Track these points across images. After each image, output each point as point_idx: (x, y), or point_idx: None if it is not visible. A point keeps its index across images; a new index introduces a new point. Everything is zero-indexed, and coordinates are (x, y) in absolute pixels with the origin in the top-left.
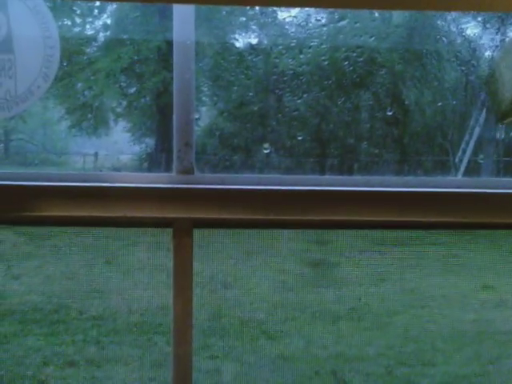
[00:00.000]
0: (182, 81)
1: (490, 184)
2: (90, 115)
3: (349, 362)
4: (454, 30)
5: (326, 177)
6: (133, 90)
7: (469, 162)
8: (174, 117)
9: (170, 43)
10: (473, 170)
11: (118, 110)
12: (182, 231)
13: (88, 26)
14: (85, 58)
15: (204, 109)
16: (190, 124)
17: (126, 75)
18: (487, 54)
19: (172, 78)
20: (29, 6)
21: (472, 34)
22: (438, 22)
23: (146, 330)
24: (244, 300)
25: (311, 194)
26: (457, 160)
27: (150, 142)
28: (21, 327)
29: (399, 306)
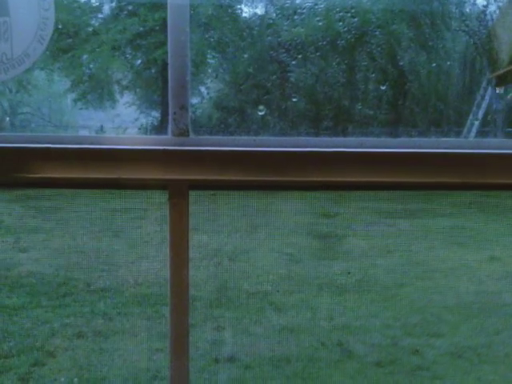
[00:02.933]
0: (176, 43)
1: (486, 145)
2: (95, 88)
3: (355, 333)
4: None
5: (321, 138)
6: (138, 62)
7: (476, 133)
8: (170, 80)
9: None
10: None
11: (124, 82)
12: (178, 193)
13: None
14: (90, 29)
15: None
16: (186, 86)
17: (131, 47)
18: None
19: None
20: None
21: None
22: None
23: (152, 303)
24: (250, 272)
25: (306, 156)
26: (464, 132)
27: (156, 114)
28: (29, 299)
29: (406, 277)
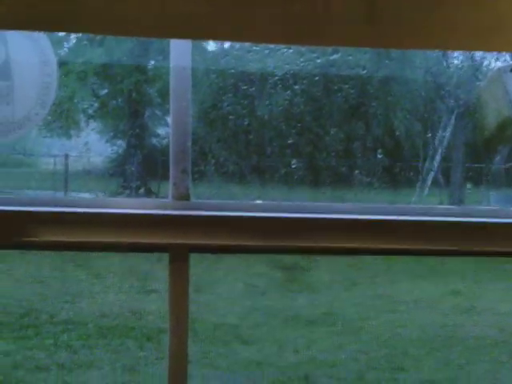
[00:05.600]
0: (178, 109)
1: (473, 212)
2: (60, 116)
3: (321, 366)
4: None
5: (320, 204)
6: (105, 91)
7: (437, 170)
8: (171, 144)
9: (142, 45)
10: (442, 177)
11: (90, 111)
12: (178, 257)
13: None
14: (56, 58)
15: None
16: (187, 151)
17: (97, 76)
18: (456, 61)
19: (144, 81)
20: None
21: None
22: None
23: (118, 335)
24: (217, 304)
25: (305, 221)
26: (425, 168)
27: (121, 143)
28: None
29: (371, 311)
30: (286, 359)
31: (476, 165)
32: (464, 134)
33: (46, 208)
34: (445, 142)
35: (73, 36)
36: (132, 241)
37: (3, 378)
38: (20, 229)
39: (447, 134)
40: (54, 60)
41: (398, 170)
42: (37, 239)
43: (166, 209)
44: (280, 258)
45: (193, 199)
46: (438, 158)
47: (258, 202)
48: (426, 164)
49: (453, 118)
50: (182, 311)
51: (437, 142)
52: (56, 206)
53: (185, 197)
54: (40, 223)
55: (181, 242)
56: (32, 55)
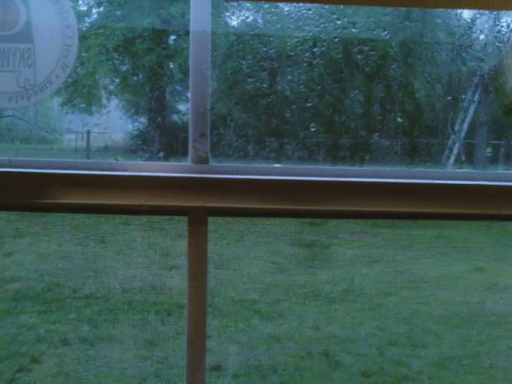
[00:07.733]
0: (198, 72)
1: (490, 176)
2: (82, 92)
3: (341, 342)
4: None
5: (338, 167)
6: (126, 67)
7: (462, 144)
8: (190, 108)
9: (164, 21)
10: (466, 153)
11: (111, 87)
12: (197, 219)
13: (81, 2)
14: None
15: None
16: (206, 115)
17: (118, 52)
18: (481, 37)
19: (165, 57)
20: None
21: (466, 17)
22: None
23: (139, 309)
24: (237, 280)
25: (323, 185)
26: (450, 141)
27: (143, 120)
28: (14, 305)
29: (391, 287)
30: (305, 335)
31: (500, 142)
32: (489, 110)
33: (67, 171)
34: (468, 118)
35: (94, 11)
36: (151, 203)
37: (27, 351)
38: (42, 191)
39: (471, 111)
40: (74, 22)
41: (418, 134)
42: (58, 201)
43: (185, 172)
44: (300, 234)
45: (212, 163)
46: (462, 133)
47: (277, 165)
48: (451, 138)
49: (477, 93)
50: (200, 275)
51: (461, 117)
52: (77, 169)
53: (204, 160)
54: (62, 185)
55: (199, 205)
56: (53, 17)
